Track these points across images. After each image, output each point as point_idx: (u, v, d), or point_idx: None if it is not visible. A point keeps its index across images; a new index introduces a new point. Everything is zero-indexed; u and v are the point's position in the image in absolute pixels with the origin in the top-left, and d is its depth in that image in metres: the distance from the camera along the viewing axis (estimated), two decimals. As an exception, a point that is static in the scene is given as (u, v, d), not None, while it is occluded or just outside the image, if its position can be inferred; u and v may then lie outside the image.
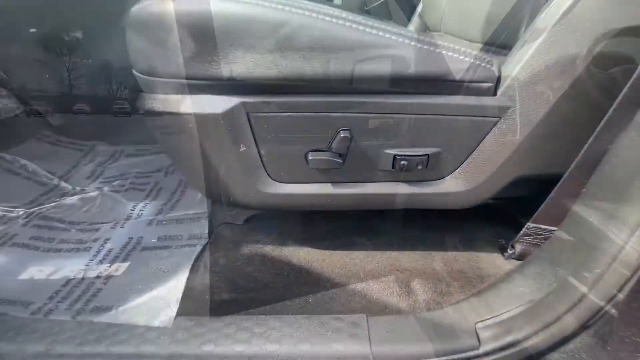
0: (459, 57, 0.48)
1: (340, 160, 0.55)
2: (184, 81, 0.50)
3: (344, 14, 0.46)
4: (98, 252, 0.80)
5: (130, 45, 0.53)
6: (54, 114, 1.23)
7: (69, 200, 0.99)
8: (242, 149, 0.54)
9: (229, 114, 0.51)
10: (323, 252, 0.71)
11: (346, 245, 0.73)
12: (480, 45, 0.79)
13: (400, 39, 0.46)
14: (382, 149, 0.55)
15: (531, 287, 0.55)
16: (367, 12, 1.12)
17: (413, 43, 0.47)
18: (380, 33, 0.46)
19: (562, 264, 0.52)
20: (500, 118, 0.53)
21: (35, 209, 0.94)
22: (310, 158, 0.55)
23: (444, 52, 0.48)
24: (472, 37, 0.82)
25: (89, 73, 1.16)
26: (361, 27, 0.46)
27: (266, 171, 0.58)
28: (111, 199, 0.98)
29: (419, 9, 1.14)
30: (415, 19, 1.14)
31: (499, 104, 0.51)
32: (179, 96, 0.52)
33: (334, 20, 0.45)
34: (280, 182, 0.59)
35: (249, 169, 0.56)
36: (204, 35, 0.46)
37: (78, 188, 1.04)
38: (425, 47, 0.47)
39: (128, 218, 0.90)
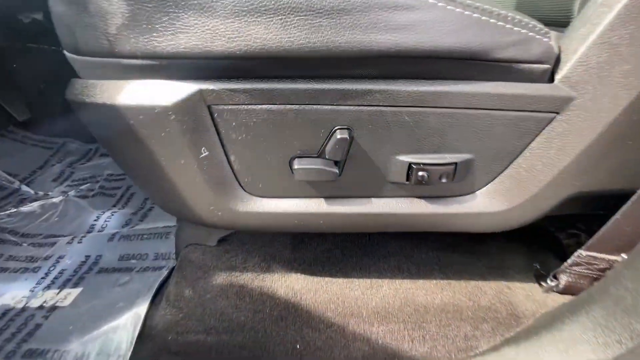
0: (503, 24, 0.34)
1: (336, 170, 0.41)
2: (118, 60, 0.36)
3: (341, -39, 0.31)
4: (48, 273, 0.67)
5: (53, 12, 0.39)
6: (20, 107, 1.09)
7: (28, 207, 0.87)
8: (204, 154, 0.40)
9: (182, 106, 0.37)
10: (316, 280, 0.57)
11: (345, 271, 0.59)
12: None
13: None
14: (393, 154, 0.41)
15: (591, 342, 0.41)
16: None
17: (441, 4, 0.32)
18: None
19: (640, 315, 0.38)
20: (557, 114, 0.38)
21: (-14, 218, 0.81)
22: (295, 167, 0.41)
23: (483, 17, 0.33)
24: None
25: (57, 61, 1.01)
26: (365, -20, 0.31)
27: (238, 182, 0.44)
28: (75, 206, 0.85)
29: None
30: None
31: (558, 94, 0.37)
32: (115, 82, 0.38)
33: (326, -32, 0.31)
34: (258, 196, 0.45)
35: (215, 180, 0.42)
36: (139, -8, 0.32)
37: (41, 193, 0.92)
38: (457, 10, 0.33)
39: (90, 230, 0.77)
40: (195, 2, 0.32)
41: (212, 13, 0.32)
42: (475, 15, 0.33)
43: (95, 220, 0.79)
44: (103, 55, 0.37)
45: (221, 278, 0.54)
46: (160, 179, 0.43)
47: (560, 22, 0.51)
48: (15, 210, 0.86)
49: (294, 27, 0.32)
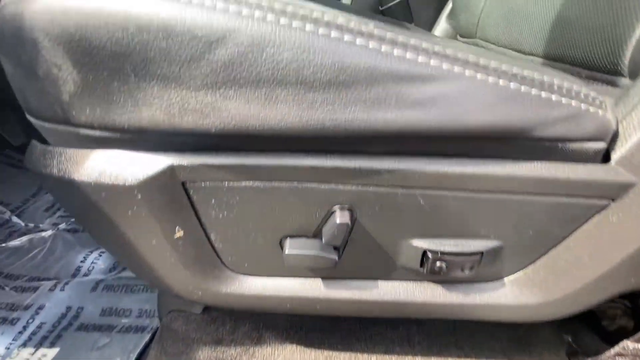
0: (549, 96, 0.27)
1: (335, 257, 0.34)
2: (75, 130, 0.30)
3: (340, 20, 0.25)
4: (26, 326, 0.62)
5: (5, 70, 0.33)
6: (16, 131, 1.06)
7: (16, 241, 0.82)
8: (178, 234, 0.34)
9: (151, 184, 0.31)
10: (314, 355, 0.50)
11: (349, 342, 0.51)
12: (542, 61, 0.57)
13: (434, 62, 0.25)
14: (404, 238, 0.34)
15: None
16: (381, 13, 0.90)
17: (469, 72, 0.25)
18: (397, 52, 0.25)
19: None
20: (612, 201, 0.30)
21: (-29, 256, 0.77)
22: (286, 253, 0.34)
23: (523, 88, 0.26)
24: (529, 49, 0.60)
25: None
26: (371, 44, 0.24)
27: (220, 260, 0.38)
28: (63, 243, 0.80)
29: (447, 9, 0.91)
30: (442, 21, 0.92)
31: (614, 179, 0.29)
32: (74, 151, 0.32)
33: (321, 30, 0.24)
34: (244, 274, 0.39)
35: (192, 261, 0.36)
36: (90, 56, 0.26)
37: (31, 225, 0.87)
38: (490, 80, 0.26)
39: (75, 274, 0.72)
40: (159, 71, 0.25)
41: (180, 84, 0.26)
42: (513, 86, 0.26)
43: (81, 261, 0.74)
44: (58, 122, 0.31)
45: (205, 353, 0.48)
46: (131, 256, 0.37)
47: (604, 68, 0.44)
48: (4, 245, 0.82)
49: (281, 102, 0.26)
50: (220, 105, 0.26)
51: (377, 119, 0.26)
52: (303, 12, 0.24)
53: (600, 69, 0.44)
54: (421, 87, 0.25)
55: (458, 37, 0.88)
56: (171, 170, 0.31)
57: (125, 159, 0.31)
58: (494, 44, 0.73)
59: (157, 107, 0.27)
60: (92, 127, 0.30)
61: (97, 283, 0.67)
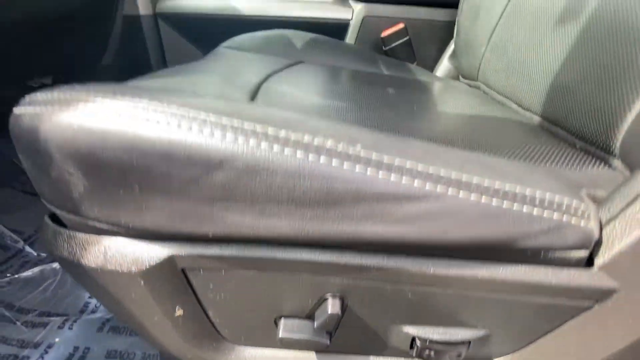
0: (530, 212, 0.28)
1: (327, 341, 0.35)
2: (84, 220, 0.32)
3: (329, 143, 0.26)
4: (35, 366, 0.64)
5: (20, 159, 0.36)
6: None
7: (28, 273, 0.85)
8: (178, 313, 0.36)
9: (153, 272, 0.33)
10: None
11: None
12: (538, 120, 0.57)
13: (417, 183, 0.26)
14: (393, 324, 0.35)
15: None
16: (385, 53, 0.92)
17: (451, 192, 0.27)
18: (382, 175, 0.26)
19: None
20: (595, 303, 0.31)
21: (-16, 290, 0.80)
22: (280, 335, 0.35)
23: (504, 205, 0.27)
24: (528, 105, 0.61)
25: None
26: (357, 167, 0.26)
27: (218, 332, 0.39)
28: (73, 276, 0.83)
29: (449, 51, 0.92)
30: (445, 61, 0.93)
31: (596, 284, 0.30)
32: (81, 236, 0.34)
33: (310, 157, 0.26)
34: (241, 345, 0.40)
35: (191, 335, 0.38)
36: (98, 170, 0.28)
37: (43, 255, 0.90)
38: (472, 199, 0.27)
39: (83, 310, 0.74)
40: (160, 187, 0.27)
41: (180, 199, 0.28)
42: (495, 203, 0.27)
43: (89, 297, 0.77)
44: (68, 212, 0.33)
45: (204, 409, 0.49)
46: (134, 326, 0.39)
47: (597, 144, 0.44)
48: (16, 276, 0.85)
49: (274, 216, 0.27)
50: (217, 217, 0.28)
51: (364, 232, 0.27)
52: (295, 137, 0.26)
53: (593, 143, 0.45)
54: (405, 206, 0.27)
55: (460, 77, 0.89)
56: (172, 259, 0.33)
57: (130, 247, 0.33)
58: (494, 90, 0.74)
59: (159, 214, 0.29)
60: (99, 221, 0.32)
61: (104, 323, 0.70)
